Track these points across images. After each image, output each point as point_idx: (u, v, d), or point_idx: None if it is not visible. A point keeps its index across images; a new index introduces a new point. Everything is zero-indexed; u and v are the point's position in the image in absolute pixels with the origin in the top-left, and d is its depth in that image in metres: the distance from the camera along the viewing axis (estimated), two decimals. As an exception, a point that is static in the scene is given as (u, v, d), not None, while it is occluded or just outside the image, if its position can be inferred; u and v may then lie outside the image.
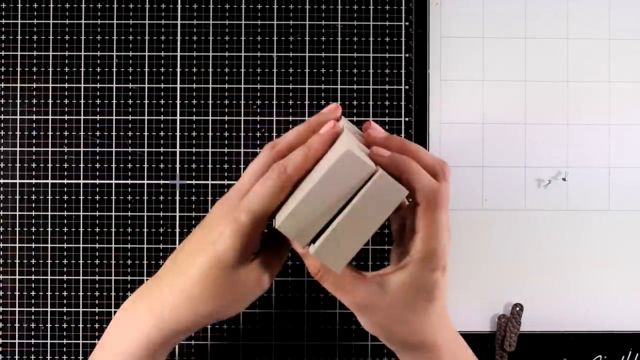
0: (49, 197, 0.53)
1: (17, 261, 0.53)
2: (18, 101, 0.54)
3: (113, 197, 0.54)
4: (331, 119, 0.41)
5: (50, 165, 0.53)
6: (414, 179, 0.37)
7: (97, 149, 0.54)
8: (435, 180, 0.38)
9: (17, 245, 0.53)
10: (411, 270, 0.38)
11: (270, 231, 0.41)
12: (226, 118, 0.54)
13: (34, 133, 0.54)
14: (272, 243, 0.41)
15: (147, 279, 0.53)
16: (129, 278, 0.53)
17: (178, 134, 0.54)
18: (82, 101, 0.54)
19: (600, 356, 0.54)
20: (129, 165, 0.54)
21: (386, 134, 0.41)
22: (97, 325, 0.53)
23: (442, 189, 0.37)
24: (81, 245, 0.53)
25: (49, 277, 0.53)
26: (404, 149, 0.40)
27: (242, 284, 0.39)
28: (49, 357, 0.53)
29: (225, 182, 0.54)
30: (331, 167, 0.35)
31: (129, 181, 0.54)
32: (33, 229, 0.53)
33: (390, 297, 0.39)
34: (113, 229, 0.54)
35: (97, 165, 0.54)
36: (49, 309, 0.53)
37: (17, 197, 0.53)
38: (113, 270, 0.53)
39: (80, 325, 0.53)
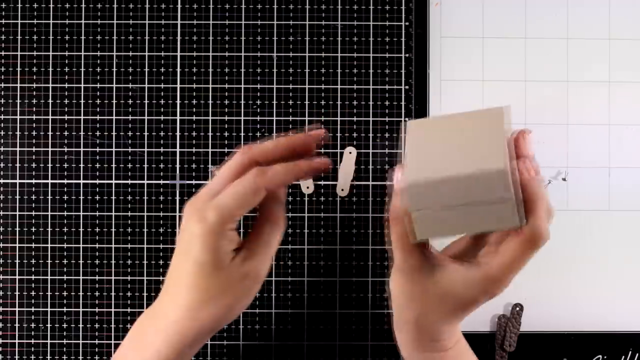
0: (49, 197, 0.53)
1: (17, 261, 0.53)
2: (18, 101, 0.54)
3: (113, 197, 0.54)
4: (315, 142, 0.40)
5: (50, 165, 0.53)
6: (537, 215, 0.37)
7: (97, 149, 0.54)
8: (548, 227, 0.37)
9: (17, 245, 0.53)
10: (468, 281, 0.38)
11: (260, 222, 0.40)
12: (226, 118, 0.54)
13: (34, 133, 0.54)
14: (259, 233, 0.40)
15: (146, 279, 0.54)
16: (129, 278, 0.53)
17: (178, 134, 0.54)
18: (82, 101, 0.54)
19: (600, 356, 0.54)
20: (129, 165, 0.54)
21: (532, 153, 0.40)
22: (97, 325, 0.53)
23: (548, 238, 0.37)
24: (81, 245, 0.53)
25: (49, 277, 0.53)
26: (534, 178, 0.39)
27: (233, 281, 0.38)
28: (49, 357, 0.53)
29: (225, 182, 0.54)
30: (480, 173, 0.35)
31: (129, 181, 0.54)
32: (33, 229, 0.53)
33: (433, 285, 0.39)
34: (113, 229, 0.54)
35: (97, 165, 0.54)
36: (49, 309, 0.53)
37: (17, 197, 0.53)
38: (113, 270, 0.53)
39: (80, 325, 0.53)
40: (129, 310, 0.53)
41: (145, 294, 0.53)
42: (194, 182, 0.54)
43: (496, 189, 0.36)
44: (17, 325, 0.53)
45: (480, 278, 0.38)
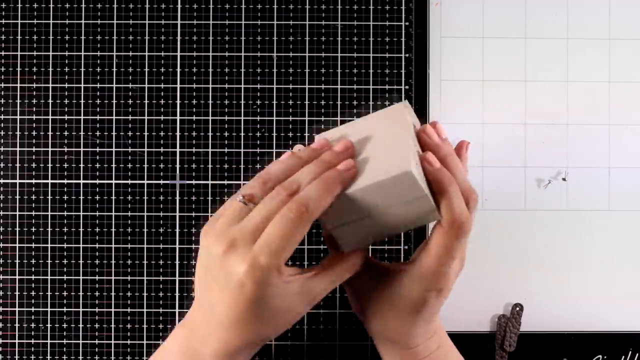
0: (49, 197, 0.53)
1: (17, 261, 0.53)
2: (18, 101, 0.54)
3: (113, 197, 0.54)
4: (347, 157, 0.38)
5: (50, 165, 0.53)
6: (448, 202, 0.37)
7: (97, 149, 0.54)
8: (466, 210, 0.37)
9: (17, 245, 0.53)
10: (411, 281, 0.38)
11: (336, 261, 0.39)
12: (226, 118, 0.54)
13: (34, 133, 0.54)
14: (330, 267, 0.39)
15: (146, 279, 0.53)
16: (129, 278, 0.53)
17: (178, 134, 0.54)
18: (82, 101, 0.54)
19: (600, 356, 0.54)
20: (129, 165, 0.54)
21: (440, 140, 0.40)
22: (97, 325, 0.53)
23: (468, 222, 0.37)
24: (81, 245, 0.53)
25: (49, 277, 0.53)
26: (447, 161, 0.39)
27: (285, 306, 0.37)
28: (49, 357, 0.53)
29: (225, 182, 0.54)
30: (386, 180, 0.35)
31: (129, 181, 0.54)
32: (33, 229, 0.53)
33: (383, 291, 0.39)
34: (113, 229, 0.54)
35: (97, 165, 0.54)
36: (49, 309, 0.53)
37: (17, 197, 0.53)
38: (113, 270, 0.53)
39: (80, 325, 0.53)
40: (129, 310, 0.53)
41: (145, 294, 0.53)
42: (194, 182, 0.54)
43: (408, 191, 0.35)
44: (17, 325, 0.53)
45: (417, 276, 0.38)
